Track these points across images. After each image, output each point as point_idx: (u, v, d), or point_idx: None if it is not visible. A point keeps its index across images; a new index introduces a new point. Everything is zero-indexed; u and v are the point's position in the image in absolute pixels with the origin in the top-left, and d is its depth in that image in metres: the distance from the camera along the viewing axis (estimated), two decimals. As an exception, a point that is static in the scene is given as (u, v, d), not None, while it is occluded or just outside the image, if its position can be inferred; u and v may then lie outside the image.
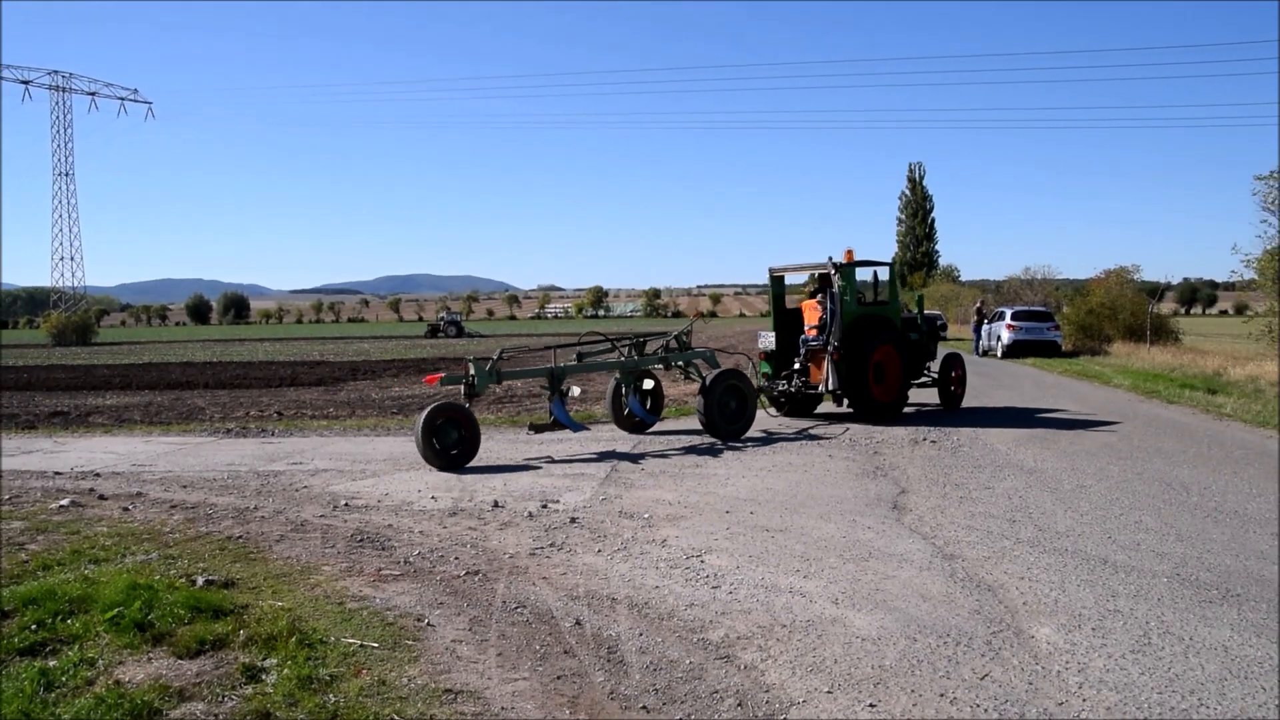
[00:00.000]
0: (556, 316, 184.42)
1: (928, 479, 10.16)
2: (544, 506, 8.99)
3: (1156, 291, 38.51)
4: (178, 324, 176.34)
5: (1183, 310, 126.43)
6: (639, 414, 13.95)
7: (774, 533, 7.83)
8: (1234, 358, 25.30)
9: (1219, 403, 17.12)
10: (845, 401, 15.25)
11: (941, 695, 4.53)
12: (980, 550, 7.20)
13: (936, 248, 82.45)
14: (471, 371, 12.26)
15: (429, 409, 11.36)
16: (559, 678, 4.83)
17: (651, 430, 14.31)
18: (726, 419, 13.38)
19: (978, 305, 40.72)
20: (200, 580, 6.49)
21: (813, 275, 16.86)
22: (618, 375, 14.07)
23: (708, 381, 13.43)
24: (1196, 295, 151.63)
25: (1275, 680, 4.67)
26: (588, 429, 14.31)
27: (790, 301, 17.23)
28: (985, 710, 4.36)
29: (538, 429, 13.18)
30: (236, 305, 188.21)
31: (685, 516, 8.51)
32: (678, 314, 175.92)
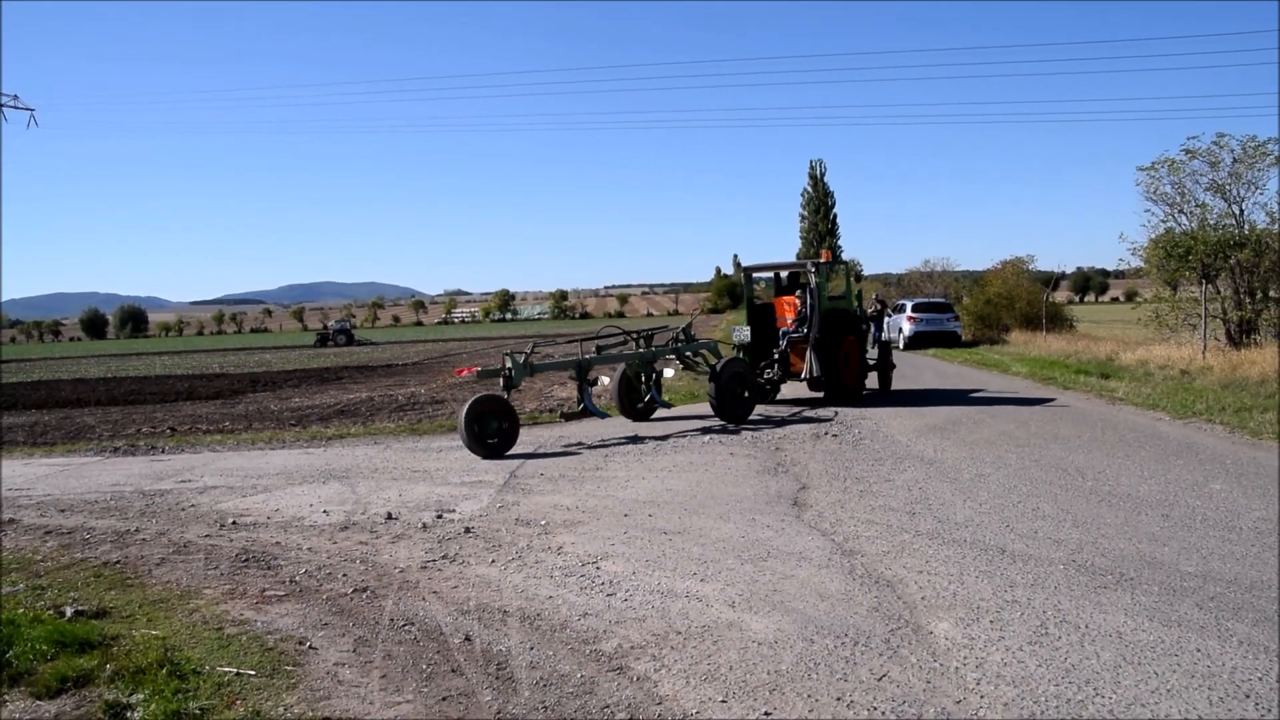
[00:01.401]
0: (464, 321, 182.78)
1: (828, 474, 10.10)
2: (439, 517, 8.71)
3: (1051, 281, 39.42)
4: (72, 339, 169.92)
5: (1077, 298, 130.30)
6: (659, 401, 15.07)
7: (672, 535, 7.66)
8: (1125, 343, 25.93)
9: (1112, 387, 17.50)
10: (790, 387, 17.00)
11: (838, 699, 4.39)
12: (880, 545, 7.11)
13: (839, 243, 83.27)
14: (509, 365, 13.09)
15: (472, 400, 12.23)
16: (444, 699, 4.59)
17: (654, 417, 15.36)
18: (735, 403, 14.44)
19: (876, 297, 41.09)
20: (69, 611, 6.09)
21: (777, 274, 18.97)
22: (624, 367, 15.01)
23: (718, 369, 14.53)
24: (1089, 283, 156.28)
25: (1168, 666, 4.64)
26: (610, 417, 15.25)
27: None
28: (883, 713, 4.23)
29: (568, 418, 14.76)
30: (134, 318, 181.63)
31: (583, 521, 8.30)
32: (586, 315, 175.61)
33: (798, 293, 17.50)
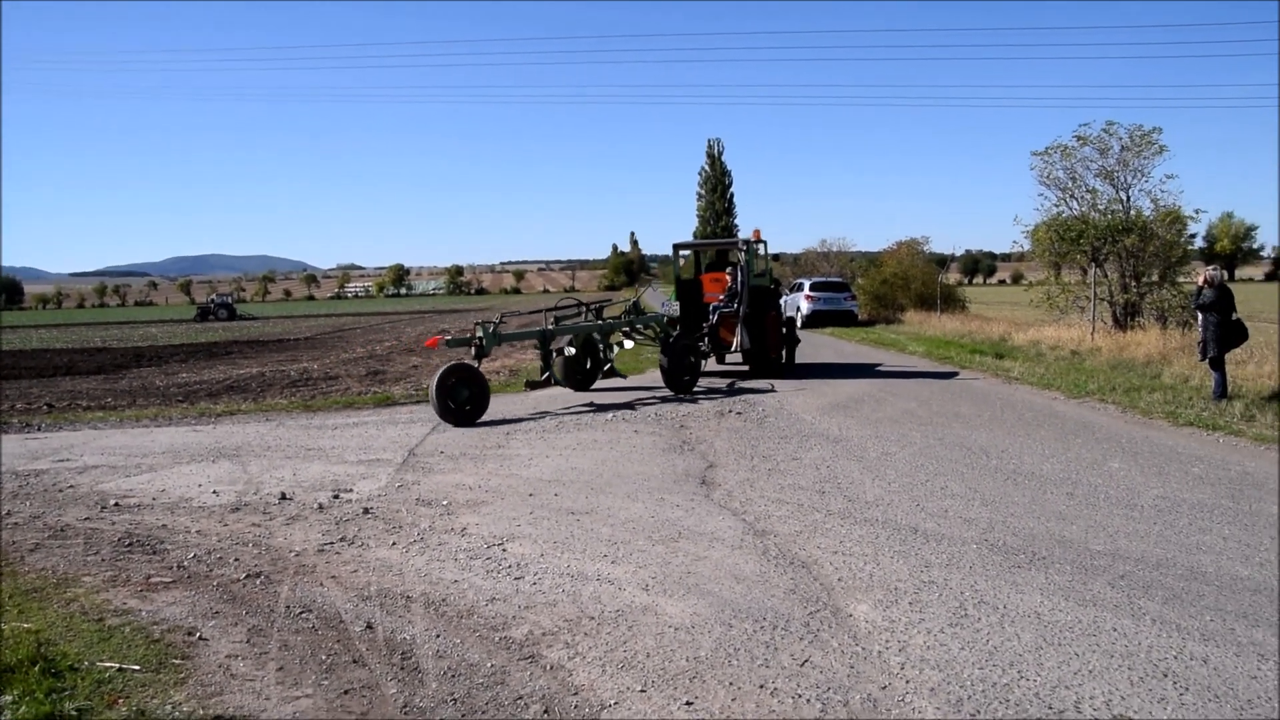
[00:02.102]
0: (357, 296, 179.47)
1: (735, 452, 9.99)
2: (335, 497, 8.35)
3: (944, 262, 40.14)
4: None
5: (966, 280, 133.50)
6: (616, 372, 15.47)
7: (580, 515, 7.45)
8: (1016, 324, 26.54)
9: (1007, 367, 17.81)
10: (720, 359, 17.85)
11: (761, 686, 4.25)
12: (792, 525, 7.01)
13: (736, 222, 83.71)
14: (479, 334, 13.51)
15: (441, 369, 12.44)
16: (346, 692, 4.32)
17: (602, 387, 15.74)
18: (685, 372, 14.98)
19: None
20: (-74, 605, 5.62)
21: (696, 252, 19.87)
22: (571, 338, 14.93)
23: (670, 341, 15.18)
24: (978, 266, 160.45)
25: (1087, 646, 4.61)
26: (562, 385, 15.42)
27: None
28: (807, 700, 4.10)
29: (532, 386, 14.93)
30: (8, 290, 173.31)
31: (486, 502, 8.03)
32: (481, 291, 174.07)
33: (727, 270, 18.50)
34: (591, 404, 14.12)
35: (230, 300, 78.67)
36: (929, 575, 5.74)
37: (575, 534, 6.92)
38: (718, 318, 17.57)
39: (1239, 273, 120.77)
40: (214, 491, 8.72)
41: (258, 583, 6.01)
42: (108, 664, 4.67)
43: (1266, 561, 5.96)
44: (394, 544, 6.81)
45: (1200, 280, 13.27)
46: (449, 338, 14.29)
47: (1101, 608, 5.14)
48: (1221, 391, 12.77)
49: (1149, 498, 7.68)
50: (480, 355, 13.41)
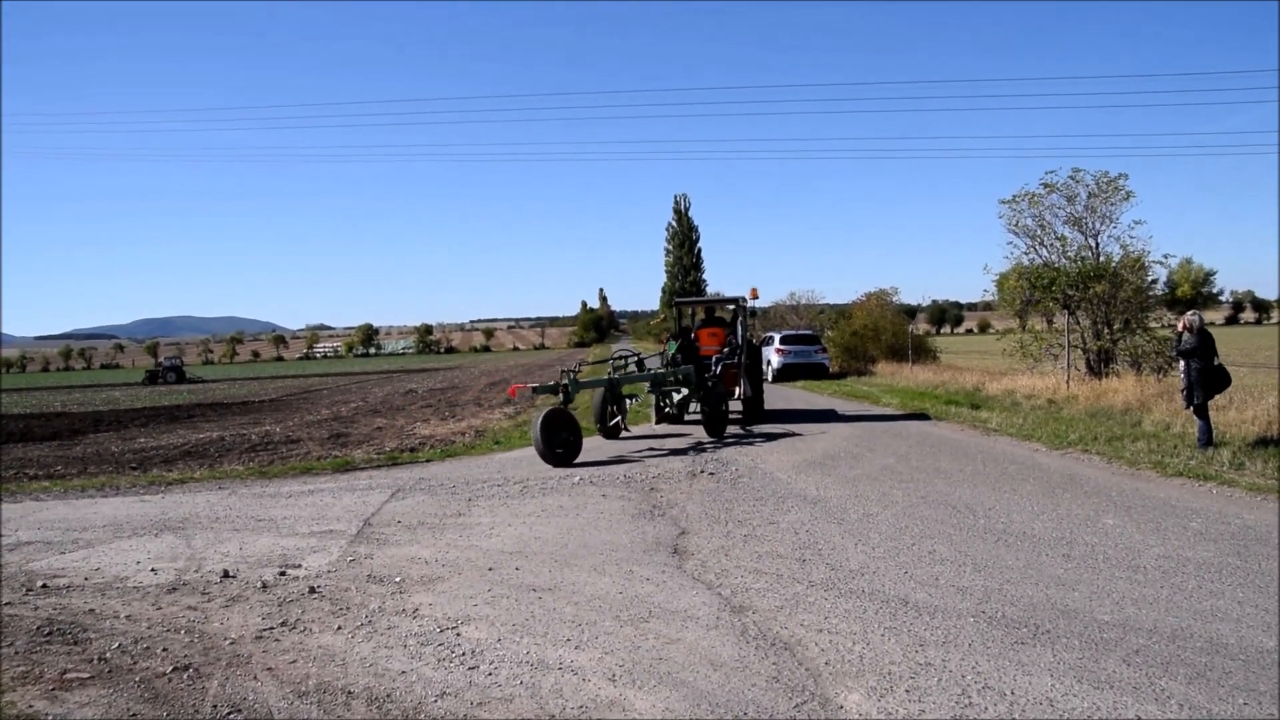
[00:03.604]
0: (326, 356, 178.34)
1: (709, 516, 9.42)
2: (282, 574, 7.72)
3: (913, 313, 39.94)
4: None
5: (934, 330, 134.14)
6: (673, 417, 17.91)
7: (542, 592, 6.84)
8: (988, 373, 26.21)
9: (984, 418, 17.40)
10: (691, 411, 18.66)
11: (743, 802, 3.68)
12: (771, 599, 6.44)
13: (704, 277, 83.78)
14: (565, 381, 14.65)
15: (544, 413, 13.43)
16: (265, 816, 3.71)
17: (626, 436, 16.61)
18: (719, 420, 16.27)
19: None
20: None
21: (679, 307, 21.61)
22: (603, 389, 16.35)
23: (709, 390, 16.58)
24: (945, 315, 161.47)
25: (1113, 741, 4.07)
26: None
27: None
28: (797, 819, 3.53)
29: (606, 434, 16.29)
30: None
31: (442, 577, 7.42)
32: (451, 349, 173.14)
33: (724, 325, 20.12)
34: (691, 443, 13.55)
35: (179, 363, 78.66)
36: (925, 655, 5.19)
37: (536, 614, 6.31)
38: (721, 369, 18.45)
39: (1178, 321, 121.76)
40: (152, 569, 8.06)
41: (185, 677, 5.38)
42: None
43: (1290, 630, 5.47)
44: (339, 628, 6.20)
45: (1180, 326, 12.91)
46: (535, 385, 15.74)
47: (1120, 690, 4.61)
48: (1207, 439, 12.38)
49: (1151, 557, 7.19)
50: (567, 401, 14.49)
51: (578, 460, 13.62)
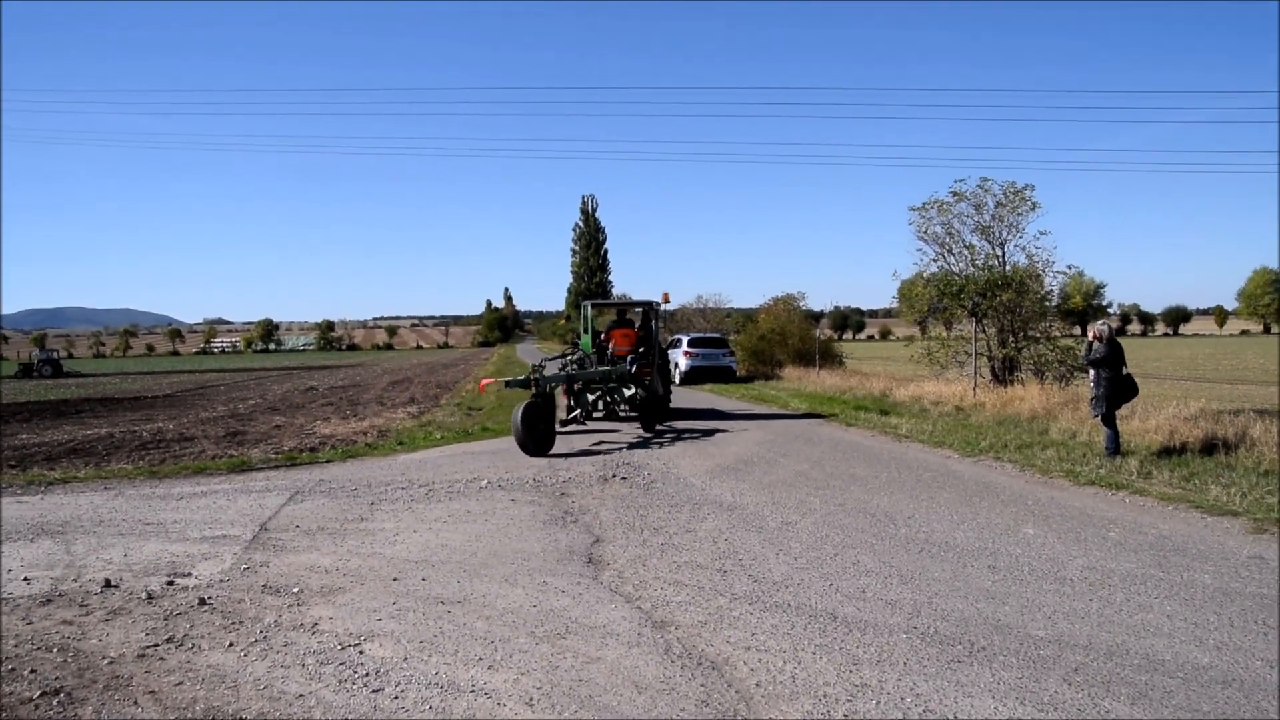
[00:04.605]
0: (224, 351, 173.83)
1: (623, 523, 9.08)
2: (170, 583, 7.16)
3: (817, 318, 40.20)
4: None
5: (836, 335, 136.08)
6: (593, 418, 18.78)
7: (451, 605, 6.42)
8: (896, 379, 26.41)
9: (894, 424, 17.39)
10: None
11: (678, 846, 3.34)
12: (694, 613, 6.13)
13: (610, 278, 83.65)
14: (535, 376, 15.47)
15: (523, 406, 14.20)
16: None
17: (573, 430, 17.52)
18: (660, 415, 17.90)
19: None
20: None
21: (586, 307, 21.81)
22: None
23: (645, 387, 17.81)
24: (848, 321, 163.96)
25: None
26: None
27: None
28: None
29: (563, 424, 17.24)
30: None
31: (344, 588, 6.95)
32: (353, 346, 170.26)
33: (636, 325, 20.94)
34: (626, 442, 13.44)
35: (56, 356, 76.27)
36: (860, 675, 4.92)
37: (445, 630, 5.90)
38: (636, 369, 18.56)
39: (1090, 329, 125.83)
40: (25, 579, 7.41)
41: (55, 703, 4.85)
42: None
43: (1222, 645, 5.34)
44: (231, 645, 5.71)
45: (1090, 335, 13.00)
46: (507, 380, 17.05)
47: (1064, 711, 4.41)
48: (1115, 448, 12.48)
49: (1075, 569, 7.07)
50: (541, 393, 14.98)
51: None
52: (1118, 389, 12.48)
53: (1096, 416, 12.94)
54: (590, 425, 18.34)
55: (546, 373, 16.40)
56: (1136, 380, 12.82)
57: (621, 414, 19.48)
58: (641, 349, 19.66)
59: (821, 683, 4.84)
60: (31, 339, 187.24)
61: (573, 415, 17.45)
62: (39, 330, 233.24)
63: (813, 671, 5.00)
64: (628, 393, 17.89)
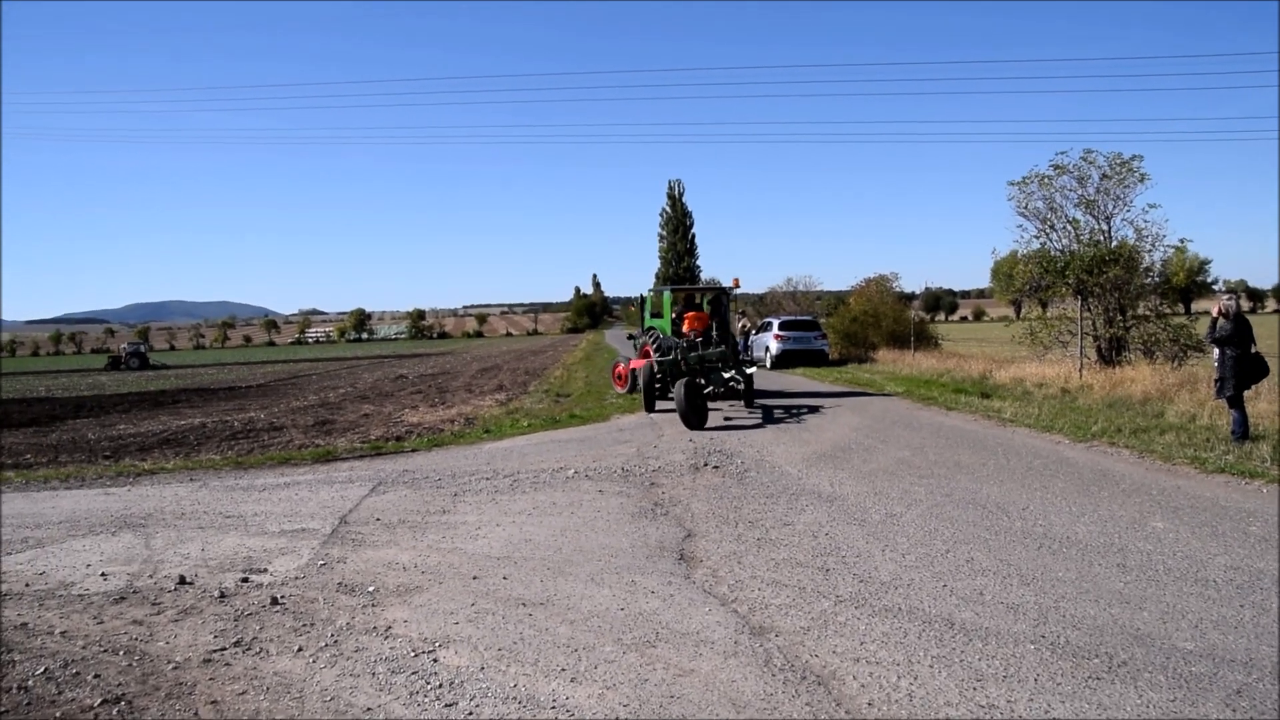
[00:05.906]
0: (319, 341, 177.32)
1: (716, 516, 8.59)
2: (244, 580, 6.90)
3: (909, 299, 39.13)
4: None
5: (929, 317, 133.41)
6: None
7: (532, 607, 6.01)
8: (995, 361, 25.42)
9: (997, 407, 16.57)
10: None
11: None
12: (795, 618, 5.61)
13: (698, 262, 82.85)
14: (680, 356, 16.86)
15: (683, 383, 15.39)
16: None
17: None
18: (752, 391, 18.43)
19: (741, 323, 39.84)
20: None
21: (642, 295, 22.65)
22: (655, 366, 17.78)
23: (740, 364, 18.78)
24: (939, 303, 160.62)
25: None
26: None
27: None
28: None
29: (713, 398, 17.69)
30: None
31: (421, 587, 6.60)
32: (444, 335, 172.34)
33: (707, 310, 21.23)
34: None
35: (143, 349, 78.82)
36: (986, 694, 4.37)
37: (526, 636, 5.48)
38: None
39: (1195, 307, 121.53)
40: (102, 574, 7.24)
41: (115, 711, 4.57)
42: None
43: (1404, 661, 4.67)
44: (300, 649, 5.39)
45: (1215, 312, 12.10)
46: (658, 359, 17.62)
47: (1229, 745, 3.82)
48: (1243, 432, 11.60)
49: (1217, 569, 6.39)
50: (692, 371, 16.74)
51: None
52: (1246, 369, 11.60)
53: (1221, 398, 12.06)
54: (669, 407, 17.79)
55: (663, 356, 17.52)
56: (1265, 360, 11.91)
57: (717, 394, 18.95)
58: (714, 332, 19.85)
59: (943, 703, 4.30)
60: (136, 331, 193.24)
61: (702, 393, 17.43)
62: (144, 323, 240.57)
63: (931, 689, 4.47)
64: (726, 375, 17.79)
